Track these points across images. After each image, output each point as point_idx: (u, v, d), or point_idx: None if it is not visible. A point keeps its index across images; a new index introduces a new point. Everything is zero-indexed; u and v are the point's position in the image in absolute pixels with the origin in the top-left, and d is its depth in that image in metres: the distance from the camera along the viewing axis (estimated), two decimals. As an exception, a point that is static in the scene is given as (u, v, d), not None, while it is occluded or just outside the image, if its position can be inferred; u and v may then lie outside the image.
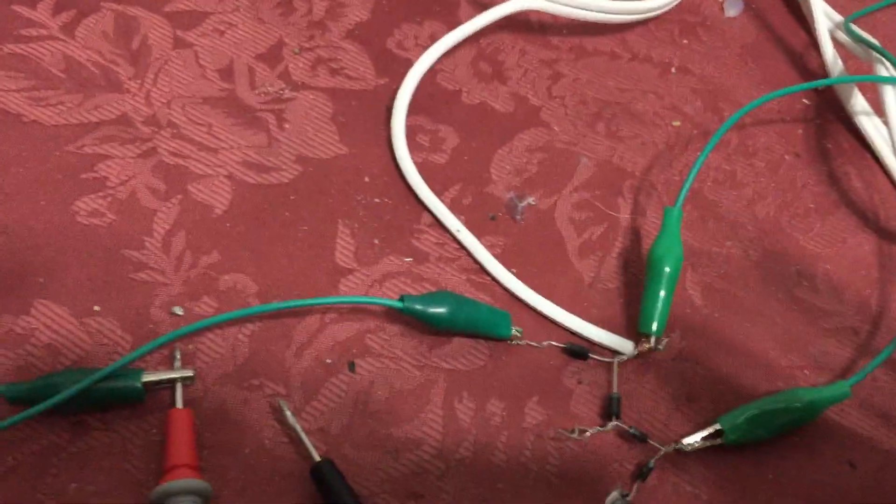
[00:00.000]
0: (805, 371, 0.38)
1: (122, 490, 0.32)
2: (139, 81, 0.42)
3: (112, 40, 0.43)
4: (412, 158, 0.41)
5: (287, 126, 0.42)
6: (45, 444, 0.33)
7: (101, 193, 0.39)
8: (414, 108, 0.43)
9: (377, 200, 0.40)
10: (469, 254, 0.39)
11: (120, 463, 0.33)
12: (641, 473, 0.34)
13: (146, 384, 0.33)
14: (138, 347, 0.34)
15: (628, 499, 0.33)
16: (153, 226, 0.38)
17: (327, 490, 0.32)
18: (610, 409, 0.35)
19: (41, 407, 0.32)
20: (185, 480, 0.31)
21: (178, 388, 0.34)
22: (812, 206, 0.43)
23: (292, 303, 0.36)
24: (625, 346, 0.37)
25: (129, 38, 0.44)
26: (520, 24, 0.48)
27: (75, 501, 0.32)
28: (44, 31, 0.43)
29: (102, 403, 0.33)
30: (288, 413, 0.33)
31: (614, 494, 0.33)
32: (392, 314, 0.37)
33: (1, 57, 0.42)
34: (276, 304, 0.36)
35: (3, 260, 0.36)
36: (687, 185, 0.39)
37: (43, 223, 0.37)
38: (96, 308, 0.36)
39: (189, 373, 0.34)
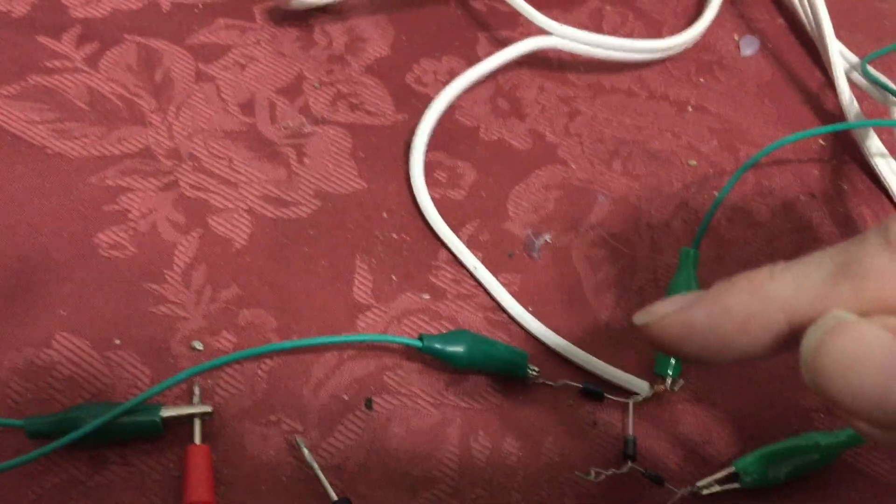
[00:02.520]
0: (821, 414, 0.38)
1: (140, 525, 0.32)
2: (162, 114, 0.43)
3: (135, 72, 0.44)
4: (430, 194, 0.42)
5: (307, 161, 0.42)
6: (65, 477, 0.33)
7: (122, 226, 0.39)
8: (432, 144, 0.44)
9: (395, 236, 0.41)
10: (486, 291, 0.39)
11: (138, 498, 0.33)
12: (657, 516, 0.34)
13: (165, 419, 0.34)
14: (158, 381, 0.35)
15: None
16: (174, 259, 0.38)
17: (344, 529, 0.32)
18: (626, 450, 0.35)
19: (61, 442, 0.32)
20: (203, 517, 0.31)
21: (197, 423, 0.34)
22: (827, 246, 0.43)
23: (312, 340, 0.36)
24: (640, 386, 0.37)
25: (151, 71, 0.44)
26: (538, 61, 0.48)
27: (94, 536, 0.32)
28: (68, 63, 0.44)
29: (121, 437, 0.34)
30: (306, 452, 0.33)
31: (630, 539, 0.33)
32: (410, 352, 0.37)
33: (26, 89, 0.42)
34: (295, 342, 0.36)
35: (25, 291, 0.37)
36: (704, 226, 0.40)
37: (65, 255, 0.38)
38: (117, 341, 0.36)
39: (207, 408, 0.34)
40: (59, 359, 0.35)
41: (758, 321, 0.24)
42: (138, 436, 0.34)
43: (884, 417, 0.21)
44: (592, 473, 0.34)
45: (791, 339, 0.23)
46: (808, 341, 0.22)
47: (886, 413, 0.21)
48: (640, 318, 0.26)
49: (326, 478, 0.33)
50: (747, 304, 0.24)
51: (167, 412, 0.34)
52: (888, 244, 0.23)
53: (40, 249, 0.38)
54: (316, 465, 0.33)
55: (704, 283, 0.39)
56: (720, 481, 0.35)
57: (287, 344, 0.36)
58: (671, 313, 0.25)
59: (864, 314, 0.22)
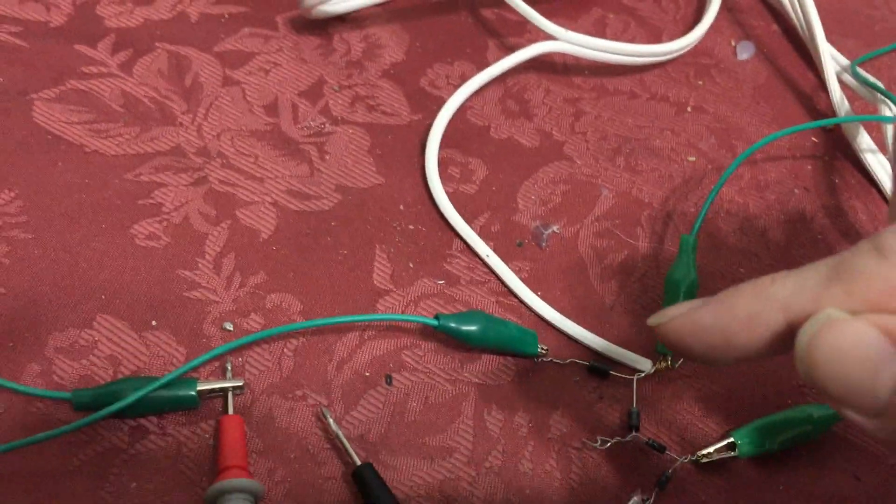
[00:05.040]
0: (813, 390, 0.40)
1: (177, 489, 0.35)
2: (191, 116, 0.45)
3: (166, 77, 0.47)
4: (444, 188, 0.44)
5: (328, 157, 0.45)
6: (107, 446, 0.35)
7: (157, 218, 0.42)
8: (445, 142, 0.46)
9: (411, 227, 0.43)
10: (498, 277, 0.42)
11: (175, 464, 0.35)
12: (660, 482, 0.36)
13: (200, 392, 0.36)
14: (192, 359, 0.37)
15: (648, 503, 0.35)
16: (205, 248, 0.41)
17: (368, 491, 0.34)
18: (630, 421, 0.38)
19: (105, 412, 0.35)
20: (238, 479, 0.33)
21: (230, 396, 0.36)
22: (820, 236, 0.46)
23: (335, 319, 0.39)
24: (643, 364, 0.40)
25: (181, 76, 0.47)
26: (545, 65, 0.51)
27: (135, 500, 0.34)
28: (104, 69, 0.47)
29: (159, 410, 0.36)
30: (331, 420, 0.36)
31: (635, 500, 0.35)
32: (426, 332, 0.40)
33: (65, 92, 0.45)
34: (319, 321, 0.39)
35: (68, 277, 0.39)
36: (702, 215, 0.42)
37: (104, 244, 0.41)
38: (153, 323, 0.39)
39: (239, 382, 0.37)
40: (99, 339, 0.38)
41: (759, 320, 0.26)
42: (176, 408, 0.36)
43: (870, 405, 0.23)
44: (598, 441, 0.37)
45: (789, 337, 0.25)
46: (802, 337, 0.24)
47: (872, 401, 0.23)
48: (653, 319, 0.29)
49: (351, 446, 0.36)
50: (750, 305, 0.26)
51: (202, 386, 0.36)
52: (877, 250, 0.25)
53: (81, 240, 0.41)
54: (341, 433, 0.36)
55: (703, 271, 0.42)
56: (718, 451, 0.37)
57: (312, 322, 0.39)
58: (681, 315, 0.28)
59: (854, 313, 0.24)
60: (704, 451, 0.37)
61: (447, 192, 0.44)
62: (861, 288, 0.25)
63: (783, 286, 0.26)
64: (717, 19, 0.54)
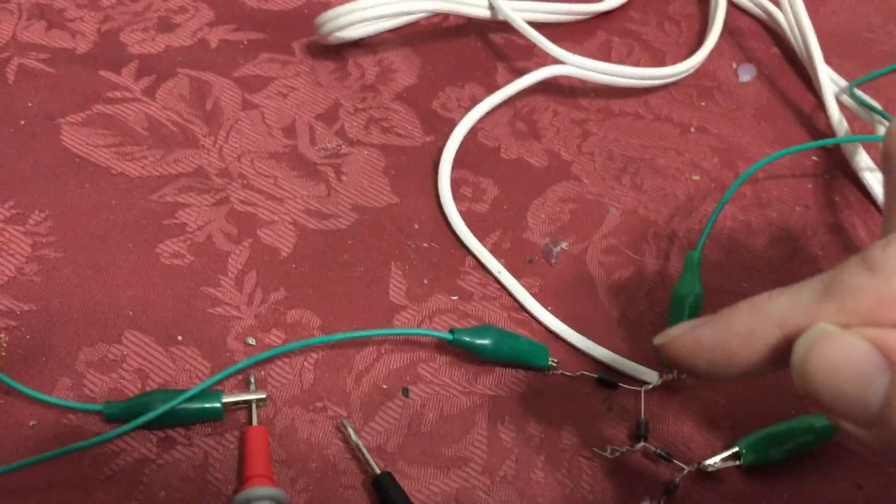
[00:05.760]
0: (809, 400, 0.42)
1: (205, 497, 0.36)
2: (213, 138, 0.47)
3: (188, 102, 0.49)
4: (457, 207, 0.46)
5: (344, 178, 0.47)
6: (137, 456, 0.37)
7: (181, 237, 0.43)
8: (457, 163, 0.48)
9: (426, 245, 0.45)
10: (509, 293, 0.43)
11: (202, 473, 0.37)
12: (667, 490, 0.38)
13: (225, 404, 0.38)
14: (216, 373, 0.39)
15: (656, 508, 0.37)
16: (227, 266, 0.43)
17: (388, 499, 0.36)
18: (638, 431, 0.39)
19: (135, 423, 0.36)
20: (263, 487, 0.35)
21: (254, 408, 0.38)
22: (821, 252, 0.47)
23: (354, 333, 0.40)
24: (650, 376, 0.41)
25: (203, 100, 0.49)
26: (552, 87, 0.52)
27: (163, 507, 0.36)
28: (128, 94, 0.48)
29: (186, 421, 0.38)
30: (351, 431, 0.37)
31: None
32: (441, 346, 0.41)
33: (91, 116, 0.47)
34: (339, 335, 0.40)
35: (96, 294, 0.41)
36: (706, 232, 0.44)
37: (131, 263, 0.42)
38: (179, 338, 0.40)
39: (263, 395, 0.38)
40: (128, 353, 0.39)
41: (757, 336, 0.27)
42: (202, 419, 0.38)
43: (862, 416, 0.24)
44: (608, 450, 0.38)
45: (787, 352, 0.26)
46: (797, 350, 0.26)
47: (864, 412, 0.24)
48: (658, 339, 0.30)
49: (370, 455, 0.37)
50: (748, 322, 0.27)
51: (227, 398, 0.38)
52: (866, 265, 0.26)
53: (108, 258, 0.42)
54: (361, 442, 0.37)
55: (707, 286, 0.43)
56: (723, 460, 0.38)
57: (332, 337, 0.40)
58: (682, 334, 0.29)
59: (846, 326, 0.25)
60: (710, 461, 0.38)
61: (460, 211, 0.46)
62: (852, 302, 0.26)
63: (778, 302, 0.27)
64: (718, 43, 0.55)
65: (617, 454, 0.38)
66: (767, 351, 0.27)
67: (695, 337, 0.29)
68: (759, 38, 0.58)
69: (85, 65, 0.49)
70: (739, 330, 0.27)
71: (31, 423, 0.37)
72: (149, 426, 0.37)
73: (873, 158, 0.50)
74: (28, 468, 0.36)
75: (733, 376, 0.28)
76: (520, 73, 0.51)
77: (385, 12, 0.50)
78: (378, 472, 0.36)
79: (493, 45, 0.54)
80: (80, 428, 0.37)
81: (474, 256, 0.45)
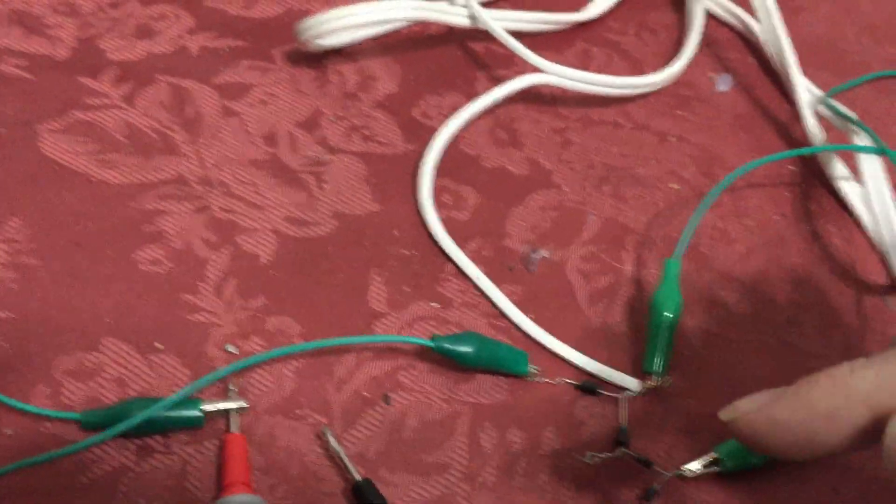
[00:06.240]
0: None
1: (183, 505, 0.36)
2: (193, 146, 0.47)
3: (168, 109, 0.48)
4: (437, 215, 0.46)
5: (325, 186, 0.47)
6: (115, 465, 0.36)
7: (159, 244, 0.43)
8: (438, 171, 0.48)
9: (406, 252, 0.45)
10: (489, 300, 0.44)
11: (181, 481, 0.36)
12: (647, 496, 0.38)
13: (205, 412, 0.37)
14: (196, 380, 0.39)
15: (637, 514, 0.37)
16: (206, 273, 0.43)
17: (368, 506, 0.36)
18: (619, 437, 0.39)
19: (113, 431, 0.36)
20: (242, 494, 0.35)
21: (234, 416, 0.38)
22: (798, 260, 0.48)
23: (334, 341, 0.40)
24: (630, 382, 0.41)
25: (182, 107, 0.49)
26: (532, 96, 0.53)
27: (142, 516, 0.35)
28: (107, 101, 0.48)
29: (165, 429, 0.37)
30: (331, 438, 0.37)
31: (623, 511, 0.37)
32: (422, 353, 0.41)
33: (70, 124, 0.47)
34: (319, 342, 0.40)
35: (74, 301, 0.41)
36: (684, 240, 0.44)
37: (109, 269, 0.42)
38: (158, 345, 0.40)
39: (244, 403, 0.38)
40: (106, 361, 0.39)
41: (842, 415, 0.25)
42: (181, 427, 0.37)
43: None
44: (588, 456, 0.38)
45: (874, 432, 0.25)
46: (892, 431, 0.24)
47: None
48: (725, 414, 0.28)
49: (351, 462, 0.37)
50: (831, 400, 0.25)
51: (207, 406, 0.37)
52: None
53: (87, 266, 0.42)
54: (341, 450, 0.37)
55: (686, 294, 0.44)
56: (704, 466, 0.39)
57: (312, 344, 0.40)
58: (755, 409, 0.27)
59: None
60: (689, 466, 0.39)
61: (440, 219, 0.46)
62: None
63: (863, 379, 0.25)
64: (696, 53, 0.56)
65: (597, 460, 0.38)
66: (854, 431, 0.25)
67: (769, 415, 0.27)
68: (737, 48, 0.58)
69: (63, 71, 0.49)
70: (821, 409, 0.26)
71: (7, 433, 0.37)
72: (127, 434, 0.37)
73: (849, 168, 0.51)
74: (4, 476, 0.35)
75: (814, 457, 0.26)
76: (500, 81, 0.52)
77: (365, 20, 0.50)
78: (359, 478, 0.36)
79: (474, 53, 0.55)
80: (58, 436, 0.37)
81: (454, 264, 0.45)
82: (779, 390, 0.27)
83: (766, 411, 0.27)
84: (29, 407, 0.37)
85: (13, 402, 0.37)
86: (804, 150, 0.52)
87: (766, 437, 0.27)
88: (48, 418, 0.37)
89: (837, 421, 0.25)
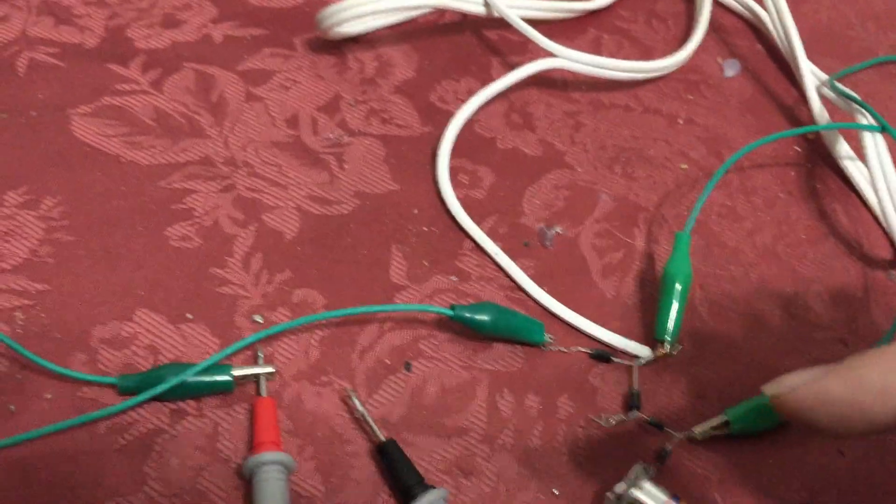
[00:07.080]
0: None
1: (215, 464, 0.37)
2: (218, 129, 0.49)
3: (194, 94, 0.50)
4: (455, 194, 0.48)
5: (346, 166, 0.48)
6: (150, 427, 0.38)
7: (189, 222, 0.45)
8: (455, 152, 0.50)
9: (425, 229, 0.46)
10: (506, 274, 0.45)
11: (212, 443, 0.38)
12: (659, 457, 0.39)
13: (235, 377, 0.39)
14: (225, 348, 0.40)
15: (650, 472, 0.38)
16: (234, 248, 0.44)
17: (392, 464, 0.37)
18: (631, 401, 0.41)
19: (148, 395, 0.38)
20: (273, 452, 0.36)
21: (263, 381, 0.39)
22: (804, 237, 0.49)
23: (359, 309, 0.42)
24: (643, 351, 0.43)
25: (208, 93, 0.50)
26: (545, 81, 0.54)
27: (176, 474, 0.37)
28: (136, 87, 0.50)
29: (197, 394, 0.39)
30: (356, 400, 0.39)
31: (637, 467, 0.38)
32: (441, 323, 0.43)
33: (100, 108, 0.49)
34: (345, 310, 0.42)
35: (108, 274, 0.42)
36: (694, 214, 0.45)
37: (141, 245, 0.44)
38: (189, 316, 0.42)
39: (271, 369, 0.40)
40: (140, 331, 0.41)
41: (894, 393, 0.25)
42: (212, 392, 0.39)
43: None
44: (603, 419, 0.40)
45: None
46: None
47: None
48: (771, 388, 0.28)
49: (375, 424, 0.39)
50: (884, 376, 0.25)
51: (238, 371, 0.39)
52: None
53: (119, 241, 0.44)
54: (366, 412, 0.39)
55: (695, 268, 0.45)
56: (714, 428, 0.40)
57: (337, 312, 0.42)
58: (803, 384, 0.27)
59: None
60: (700, 428, 0.40)
61: (458, 197, 0.47)
62: None
63: None
64: (704, 39, 0.57)
65: (612, 423, 0.40)
66: None
67: (818, 390, 0.26)
68: (744, 35, 0.60)
69: (93, 59, 0.51)
70: (875, 385, 0.25)
71: (47, 397, 0.38)
72: (161, 398, 0.38)
73: (853, 148, 0.52)
74: (45, 437, 0.37)
75: (862, 434, 0.26)
76: (513, 67, 0.53)
77: (385, 6, 0.52)
78: (383, 439, 0.38)
79: (488, 40, 0.56)
80: (95, 400, 0.39)
81: (472, 240, 0.46)
82: (825, 367, 0.27)
83: (815, 386, 0.27)
84: (68, 371, 0.39)
85: (53, 365, 0.38)
86: (810, 128, 0.53)
87: (815, 412, 0.27)
88: (86, 382, 0.39)
89: (890, 398, 0.25)
